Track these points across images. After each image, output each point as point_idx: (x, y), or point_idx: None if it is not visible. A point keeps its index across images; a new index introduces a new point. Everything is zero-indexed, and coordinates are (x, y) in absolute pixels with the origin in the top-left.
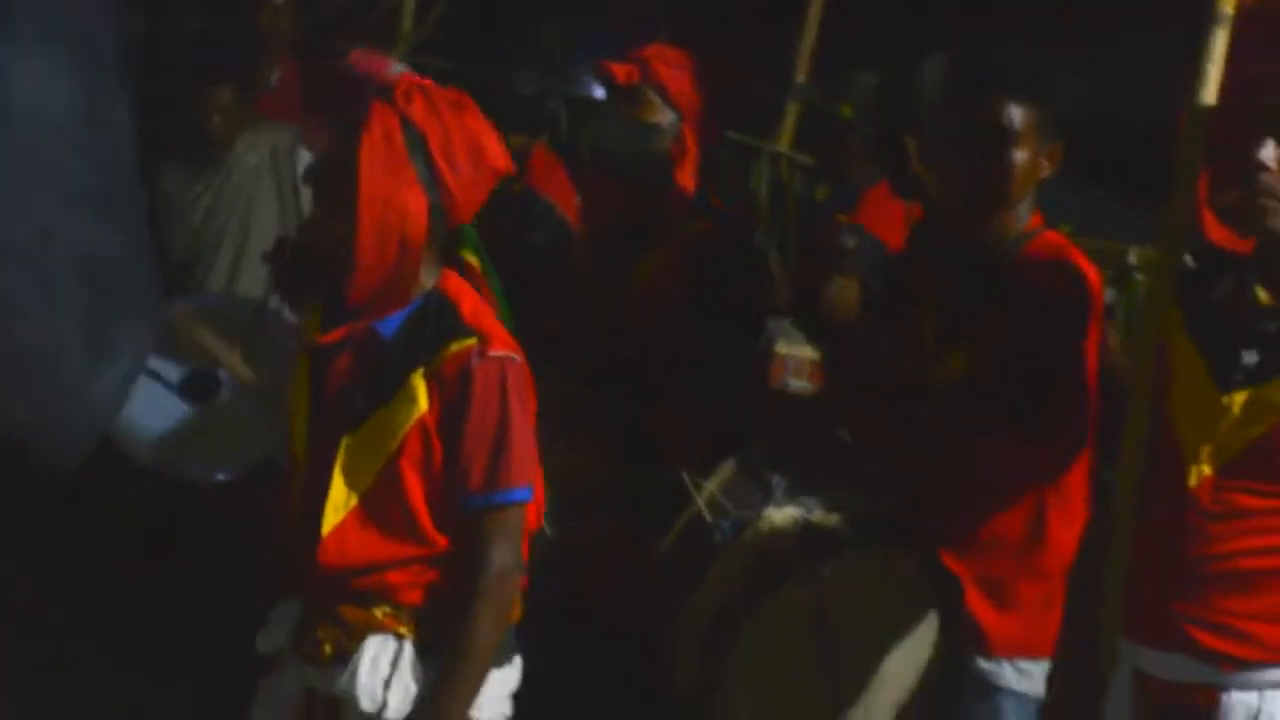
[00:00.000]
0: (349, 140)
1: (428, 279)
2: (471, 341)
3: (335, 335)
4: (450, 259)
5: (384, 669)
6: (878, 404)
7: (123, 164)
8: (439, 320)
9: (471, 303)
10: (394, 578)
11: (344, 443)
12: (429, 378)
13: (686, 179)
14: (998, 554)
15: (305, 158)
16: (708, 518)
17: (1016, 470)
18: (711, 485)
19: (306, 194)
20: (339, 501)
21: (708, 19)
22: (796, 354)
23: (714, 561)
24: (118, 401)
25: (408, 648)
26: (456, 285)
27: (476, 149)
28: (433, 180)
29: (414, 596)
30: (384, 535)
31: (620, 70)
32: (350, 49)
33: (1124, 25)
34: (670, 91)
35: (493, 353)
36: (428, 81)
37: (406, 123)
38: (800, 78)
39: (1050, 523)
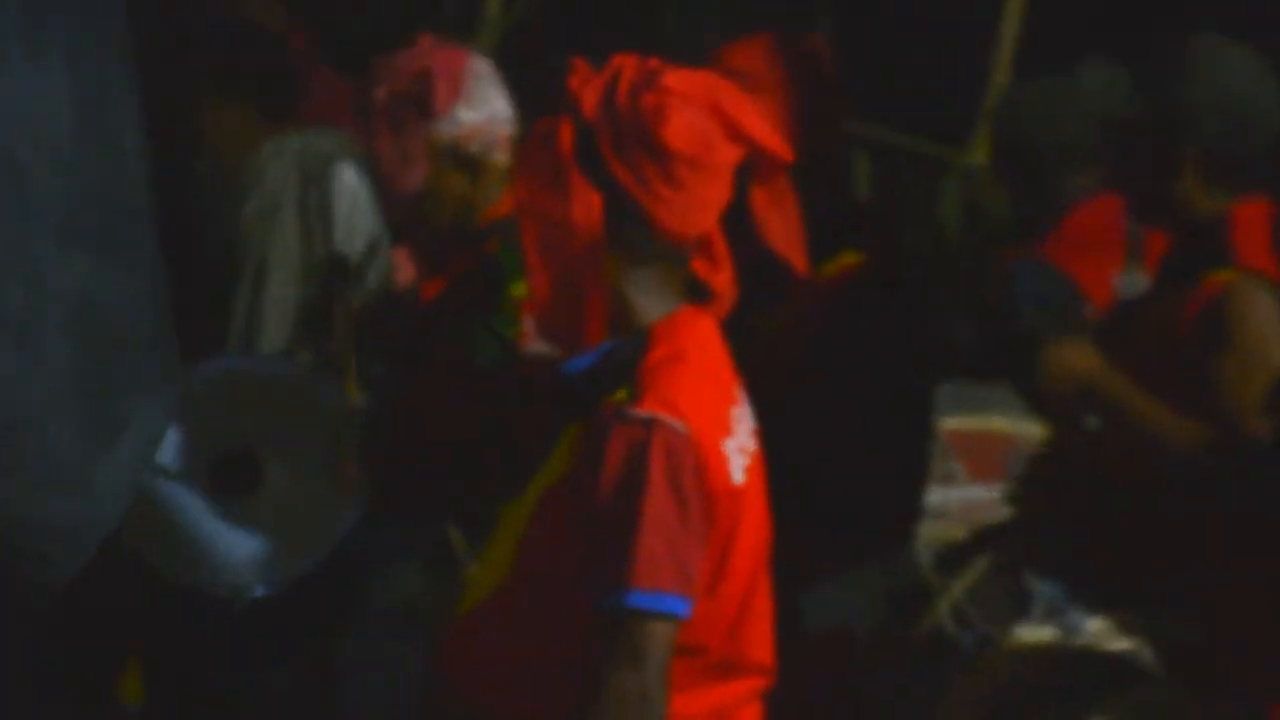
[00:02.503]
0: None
1: (647, 313)
2: (621, 395)
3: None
4: (699, 290)
5: None
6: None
7: (128, 193)
8: (620, 365)
9: (674, 345)
10: (516, 688)
11: (506, 512)
12: (578, 436)
13: (766, 212)
14: None
15: (349, 176)
16: (948, 629)
17: None
18: (958, 588)
19: (342, 221)
20: (477, 585)
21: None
22: (1024, 433)
23: (949, 689)
24: (124, 493)
25: None
26: (678, 325)
27: (704, 138)
28: (609, 184)
29: (536, 714)
30: (508, 633)
31: None
32: (417, 37)
33: None
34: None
35: (637, 412)
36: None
37: (576, 117)
38: (1000, 72)
39: None
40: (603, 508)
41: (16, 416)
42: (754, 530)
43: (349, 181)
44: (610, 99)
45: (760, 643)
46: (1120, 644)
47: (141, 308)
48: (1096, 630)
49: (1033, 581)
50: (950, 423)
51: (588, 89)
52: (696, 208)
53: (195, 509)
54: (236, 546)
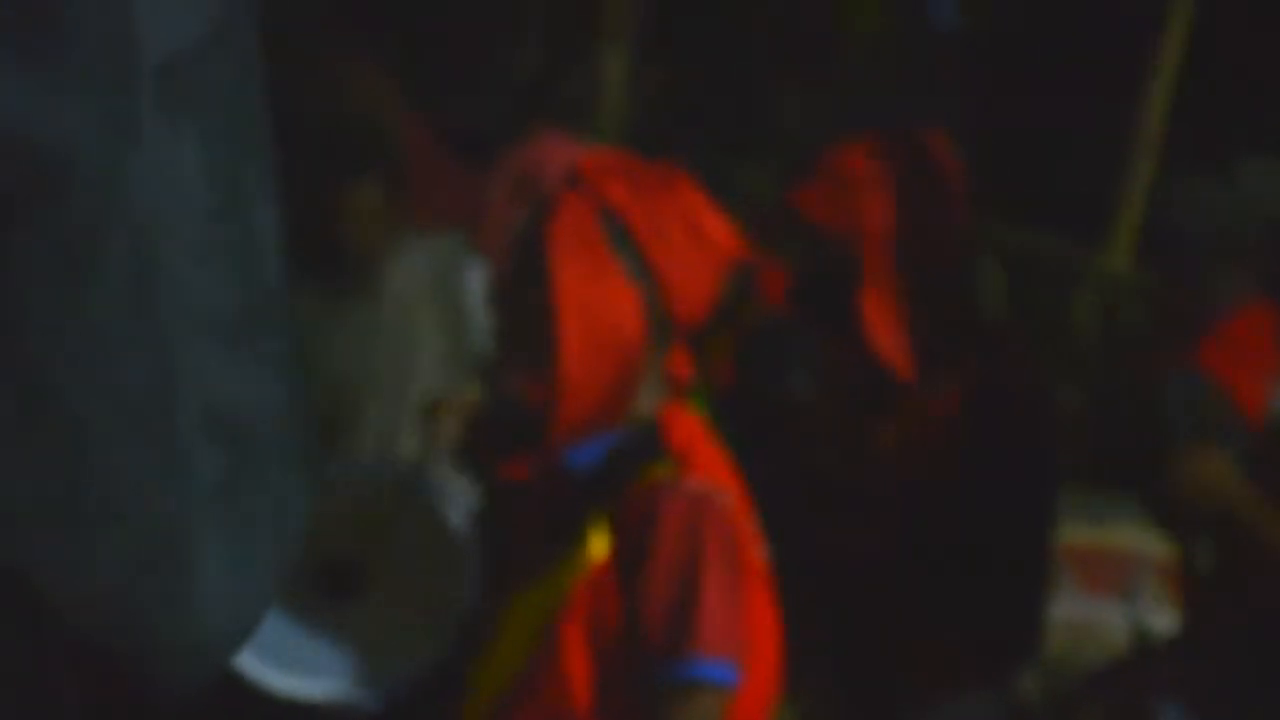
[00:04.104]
0: (535, 241)
1: (646, 403)
2: (664, 470)
3: (520, 469)
4: (676, 386)
5: None
6: None
7: (268, 281)
8: (638, 449)
9: (688, 430)
10: None
11: (509, 609)
12: (612, 518)
13: (876, 318)
14: None
15: (476, 275)
16: None
17: None
18: (1099, 711)
19: (479, 322)
20: (490, 678)
21: (1007, 88)
22: (1148, 550)
23: None
24: (260, 610)
25: None
26: (679, 415)
27: (697, 230)
28: (645, 274)
29: None
30: None
31: None
32: (536, 130)
33: None
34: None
35: (687, 485)
36: (624, 157)
37: (604, 208)
38: (1143, 169)
39: None
40: (659, 580)
41: (148, 527)
42: (775, 621)
43: (480, 281)
44: (640, 191)
45: None
46: None
47: (281, 409)
48: None
49: (1158, 708)
50: (1066, 535)
51: (608, 179)
52: (707, 299)
53: (300, 617)
54: (343, 656)
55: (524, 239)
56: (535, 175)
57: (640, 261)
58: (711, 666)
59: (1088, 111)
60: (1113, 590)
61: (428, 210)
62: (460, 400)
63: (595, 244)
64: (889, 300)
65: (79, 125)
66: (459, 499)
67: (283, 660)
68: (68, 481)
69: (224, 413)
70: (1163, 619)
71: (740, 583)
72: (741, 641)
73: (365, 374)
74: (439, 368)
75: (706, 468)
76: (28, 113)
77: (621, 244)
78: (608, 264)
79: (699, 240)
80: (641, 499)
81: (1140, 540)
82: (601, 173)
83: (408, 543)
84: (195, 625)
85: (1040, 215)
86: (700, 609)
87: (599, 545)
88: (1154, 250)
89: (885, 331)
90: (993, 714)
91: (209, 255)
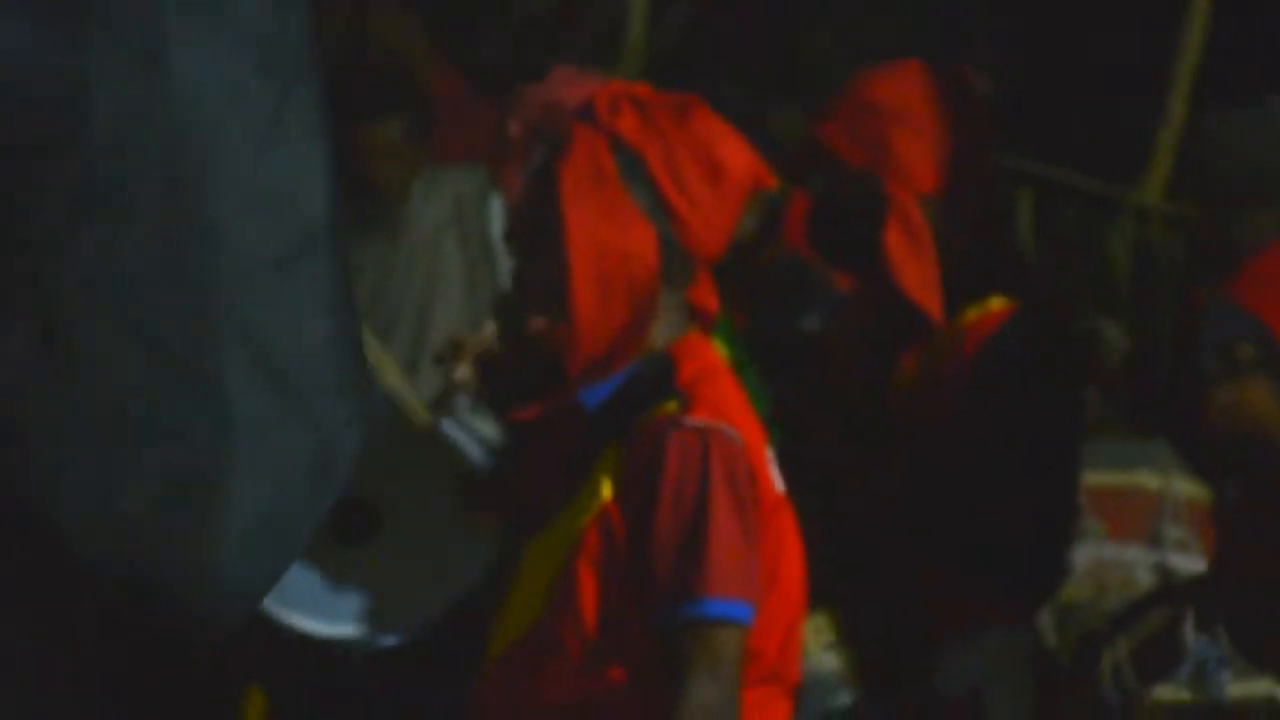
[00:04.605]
0: (546, 177)
1: (659, 337)
2: (671, 406)
3: (532, 411)
4: (698, 315)
5: None
6: None
7: (314, 215)
8: (649, 385)
9: (699, 363)
10: None
11: (528, 551)
12: (620, 456)
13: (900, 252)
14: None
15: (499, 209)
16: (1103, 686)
17: None
18: (1123, 646)
19: (503, 257)
20: (510, 623)
21: (1044, 24)
22: (1172, 491)
23: None
24: (296, 548)
25: None
26: (694, 346)
27: (713, 162)
28: (659, 208)
29: None
30: (552, 666)
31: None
32: (554, 65)
33: None
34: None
35: (692, 420)
36: (640, 88)
37: (616, 142)
38: (1177, 104)
39: None
40: (665, 518)
41: (191, 471)
42: (797, 545)
43: (502, 217)
44: (653, 123)
45: (797, 662)
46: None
47: (326, 346)
48: (1236, 695)
49: (1192, 641)
50: (1091, 478)
51: (620, 112)
52: (724, 231)
53: (316, 557)
54: (359, 596)
55: (535, 174)
56: (555, 112)
57: (654, 195)
58: (722, 604)
59: (1123, 45)
60: (1138, 534)
61: (452, 148)
62: (479, 339)
63: (607, 178)
64: (915, 234)
65: (96, 65)
66: (480, 438)
67: (301, 601)
68: (97, 419)
69: (267, 349)
70: (1188, 562)
71: (751, 516)
72: (752, 576)
73: (387, 310)
74: (462, 302)
75: (715, 401)
76: (39, 59)
77: (634, 177)
78: (620, 198)
79: (715, 172)
80: (649, 435)
81: (1165, 482)
82: (613, 105)
83: (428, 483)
84: (226, 561)
85: (1074, 150)
86: (708, 549)
87: (608, 483)
88: (1188, 185)
89: (910, 266)
90: (1014, 650)
91: (248, 191)
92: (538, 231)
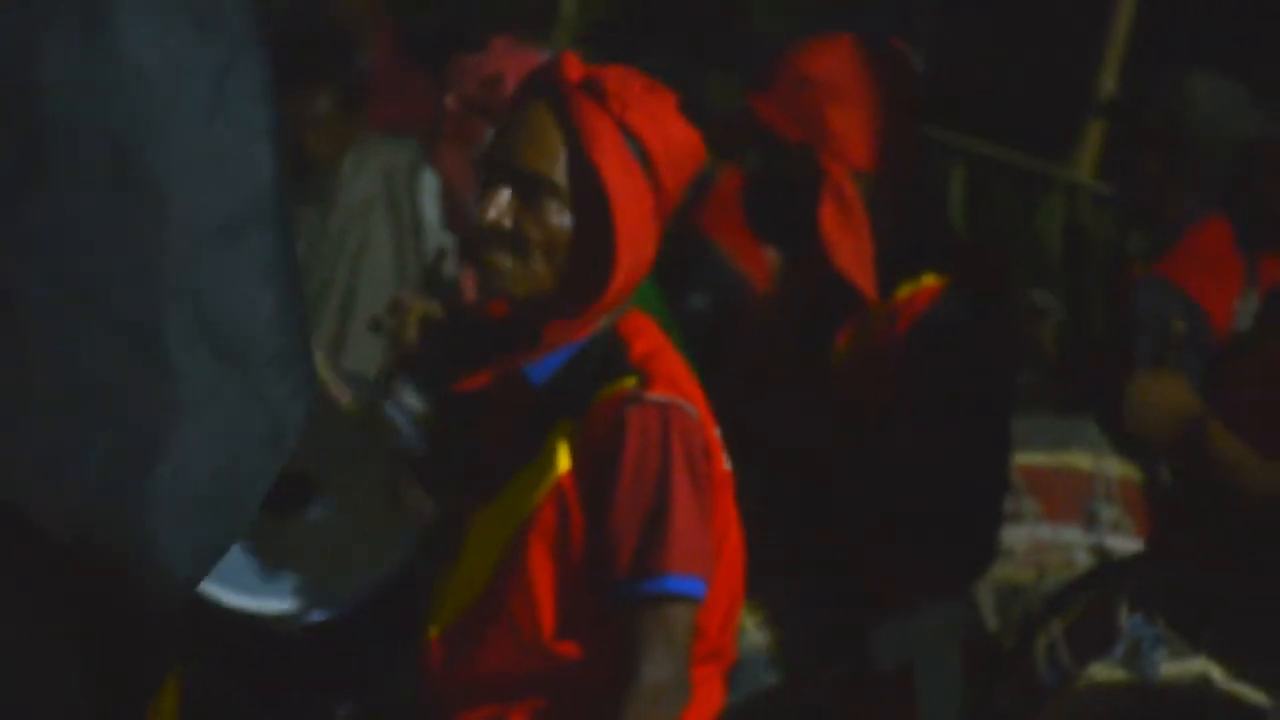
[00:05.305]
0: (577, 161)
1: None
2: (629, 382)
3: (477, 380)
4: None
5: None
6: None
7: (260, 184)
8: (601, 361)
9: (648, 342)
10: (513, 698)
11: (474, 522)
12: (575, 431)
13: (835, 229)
14: None
15: (430, 182)
16: (1038, 666)
17: None
18: (1056, 626)
19: (432, 232)
20: (455, 595)
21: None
22: (1104, 471)
23: None
24: (244, 519)
25: None
26: (637, 323)
27: (690, 153)
28: (660, 193)
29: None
30: (500, 641)
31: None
32: (489, 36)
33: None
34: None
35: (652, 396)
36: (625, 72)
37: (626, 132)
38: (1108, 80)
39: None
40: (626, 494)
41: (137, 440)
42: (738, 522)
43: (434, 191)
44: (656, 115)
45: (734, 641)
46: (1236, 688)
47: (272, 315)
48: (1170, 674)
49: (1126, 620)
50: (1025, 458)
51: (628, 105)
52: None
53: (251, 532)
54: (291, 570)
55: (548, 154)
56: (494, 86)
57: (657, 184)
58: (680, 580)
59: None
60: (1073, 515)
61: (385, 117)
62: (423, 302)
63: (635, 171)
64: (849, 210)
65: (44, 34)
66: (414, 411)
67: (234, 576)
68: (44, 385)
69: (213, 318)
70: (1124, 543)
71: (708, 494)
72: (708, 553)
73: (317, 283)
74: (390, 275)
75: (671, 378)
76: None
77: (644, 163)
78: (646, 196)
79: (689, 159)
80: (607, 411)
81: (1099, 462)
82: (621, 91)
83: (360, 454)
84: (170, 530)
85: (1006, 126)
86: (670, 526)
87: (563, 458)
88: (1116, 163)
89: (845, 242)
90: (947, 624)
91: (195, 156)
92: (567, 208)
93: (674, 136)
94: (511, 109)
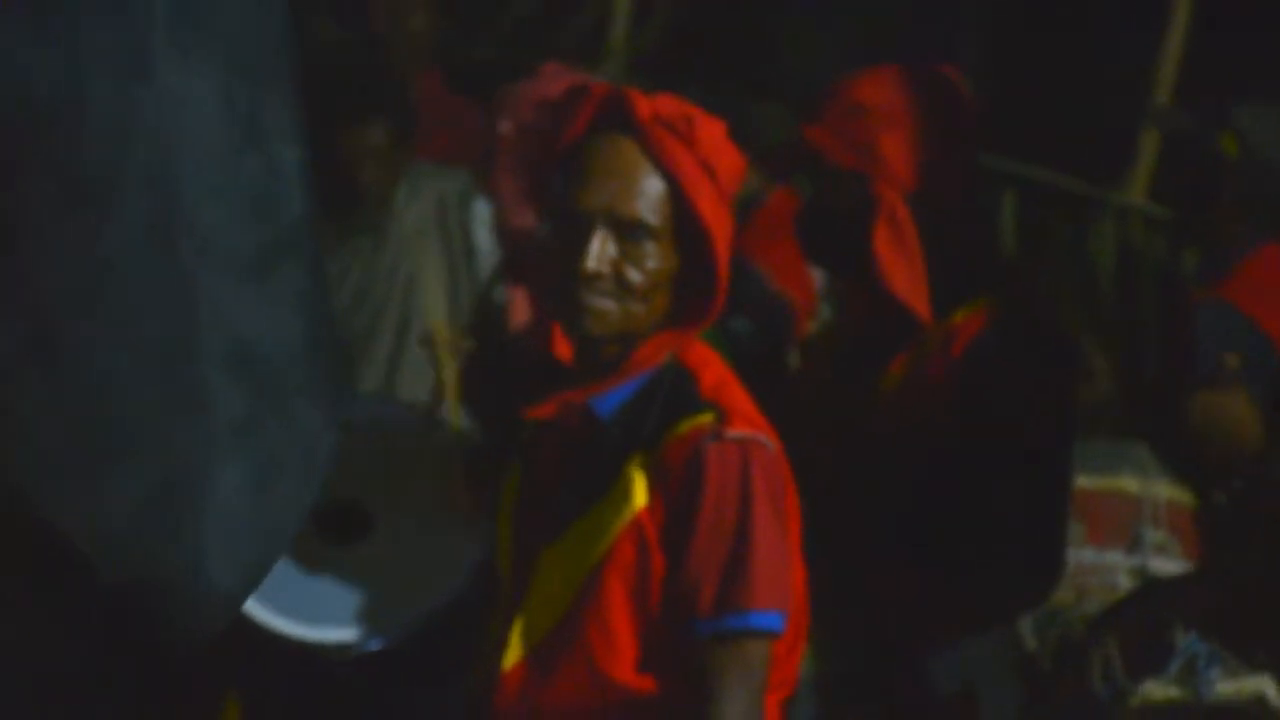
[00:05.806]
0: (671, 194)
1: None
2: (706, 418)
3: (547, 409)
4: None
5: None
6: None
7: (291, 217)
8: (672, 395)
9: (715, 373)
10: None
11: (543, 556)
12: (650, 467)
13: (889, 254)
14: None
15: (482, 210)
16: (1094, 684)
17: None
18: (1112, 644)
19: (485, 258)
20: (527, 630)
21: (1026, 25)
22: (1152, 495)
23: None
24: (278, 549)
25: None
26: (701, 354)
27: (739, 178)
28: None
29: None
30: (577, 675)
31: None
32: (539, 64)
33: None
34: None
35: (732, 433)
36: (684, 102)
37: (705, 166)
38: (1161, 99)
39: None
40: (707, 530)
41: (168, 470)
42: (802, 554)
43: (487, 219)
44: (717, 144)
45: (797, 671)
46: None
47: (306, 347)
48: (1226, 692)
49: (1180, 637)
50: (1073, 482)
51: (697, 140)
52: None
53: (302, 559)
54: (346, 599)
55: (645, 197)
56: (548, 110)
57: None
58: (762, 616)
59: (1106, 44)
60: (1118, 539)
61: (435, 149)
62: (452, 333)
63: (720, 203)
64: (903, 235)
65: (85, 67)
66: (469, 441)
67: (286, 604)
68: (82, 417)
69: (246, 349)
70: (1168, 565)
71: (787, 529)
72: (788, 587)
73: (371, 311)
74: (443, 301)
75: (745, 413)
76: (28, 60)
77: (720, 197)
78: (728, 219)
79: (738, 184)
80: (684, 448)
81: (1147, 485)
82: (696, 128)
83: (414, 484)
84: (208, 563)
85: (1057, 151)
86: (753, 562)
87: (639, 493)
88: (1169, 187)
89: (899, 267)
90: (1003, 649)
91: (228, 191)
92: (664, 240)
93: (733, 165)
94: (586, 147)
